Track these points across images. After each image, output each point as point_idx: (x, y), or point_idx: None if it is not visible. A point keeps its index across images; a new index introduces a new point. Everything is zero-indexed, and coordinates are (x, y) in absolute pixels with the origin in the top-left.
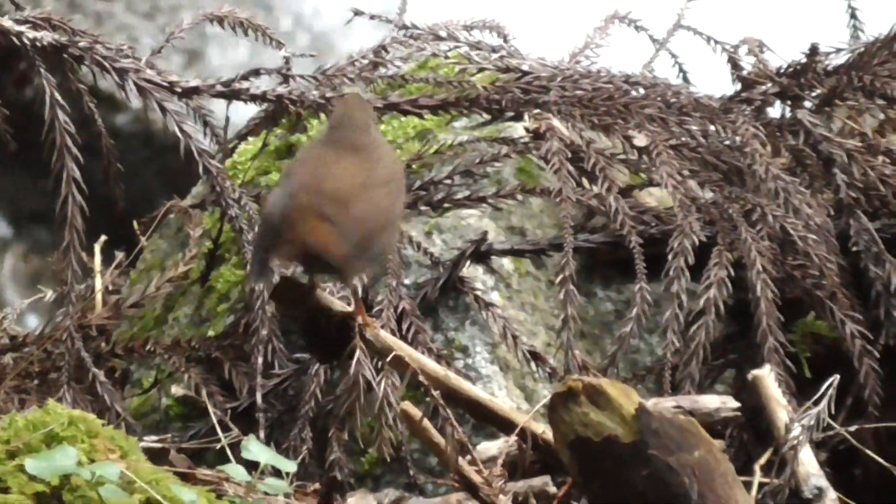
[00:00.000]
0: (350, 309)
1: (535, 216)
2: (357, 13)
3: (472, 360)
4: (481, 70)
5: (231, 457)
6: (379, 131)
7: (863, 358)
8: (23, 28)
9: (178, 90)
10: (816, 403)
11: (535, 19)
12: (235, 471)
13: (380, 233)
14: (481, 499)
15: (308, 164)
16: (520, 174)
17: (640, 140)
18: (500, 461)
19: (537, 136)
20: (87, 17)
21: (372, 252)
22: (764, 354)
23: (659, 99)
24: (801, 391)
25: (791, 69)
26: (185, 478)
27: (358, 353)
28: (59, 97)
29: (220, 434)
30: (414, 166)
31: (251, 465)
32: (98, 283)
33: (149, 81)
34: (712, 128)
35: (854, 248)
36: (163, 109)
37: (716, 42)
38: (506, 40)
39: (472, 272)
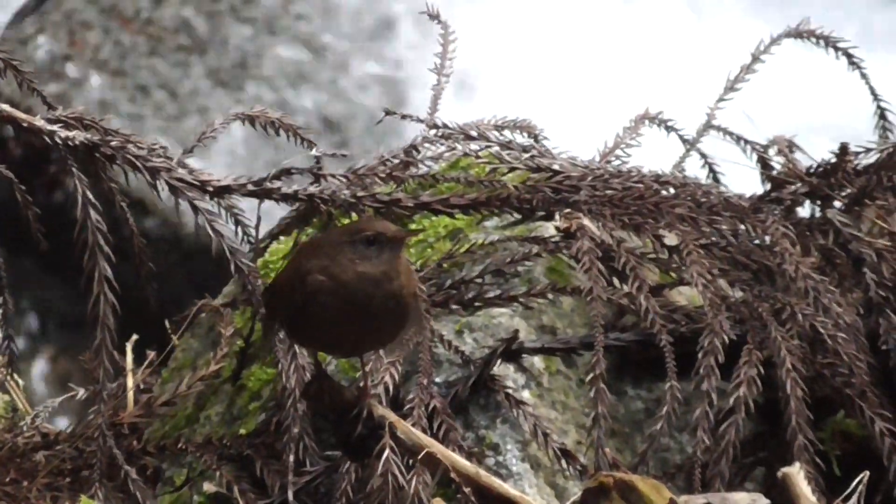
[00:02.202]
0: (368, 392)
1: (566, 315)
2: (389, 113)
3: (503, 458)
4: (512, 169)
5: None
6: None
7: (892, 456)
8: (55, 127)
9: (210, 189)
10: (846, 501)
11: (566, 119)
12: None
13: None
14: None
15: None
16: (550, 273)
17: (671, 239)
18: None
19: (568, 235)
20: (119, 118)
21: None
22: (794, 452)
23: (689, 198)
24: (830, 489)
25: (821, 169)
26: None
27: (388, 450)
28: (91, 196)
29: None
30: (445, 265)
31: None
32: (130, 382)
33: (180, 180)
34: (742, 227)
35: (884, 347)
36: (195, 208)
37: (746, 142)
38: (537, 140)
39: (503, 370)
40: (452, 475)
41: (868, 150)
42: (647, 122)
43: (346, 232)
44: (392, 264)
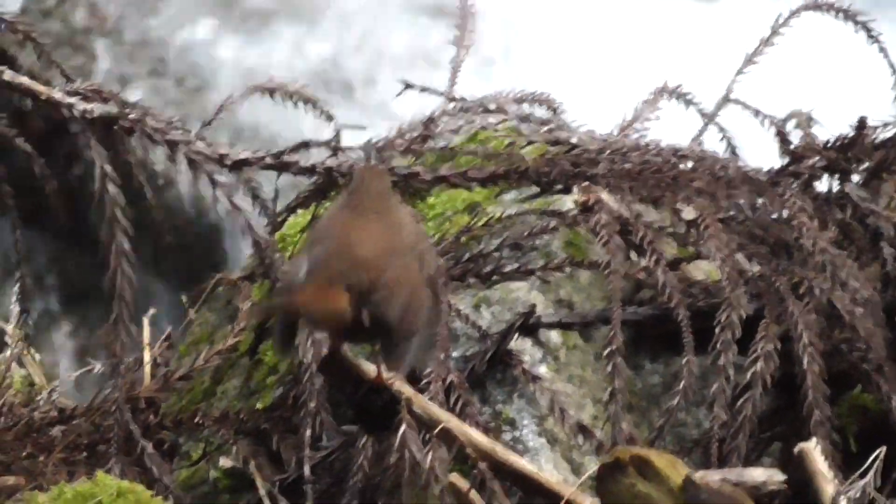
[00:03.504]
0: (383, 375)
1: (584, 289)
2: (408, 86)
3: (519, 433)
4: (530, 143)
5: None
6: (397, 199)
7: None
8: (73, 100)
9: (228, 163)
10: (862, 476)
11: (585, 92)
12: None
13: (414, 298)
14: None
15: (334, 232)
16: (568, 247)
17: (689, 213)
18: None
19: (586, 208)
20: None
21: (416, 320)
22: (811, 428)
23: (707, 172)
24: (847, 464)
25: (839, 143)
26: None
27: (405, 425)
28: (109, 170)
29: None
30: (463, 239)
31: None
32: (147, 357)
33: (199, 154)
34: (760, 201)
35: None
36: (213, 182)
37: (764, 116)
38: (555, 113)
39: (520, 345)
40: (469, 450)
41: (886, 125)
42: (665, 95)
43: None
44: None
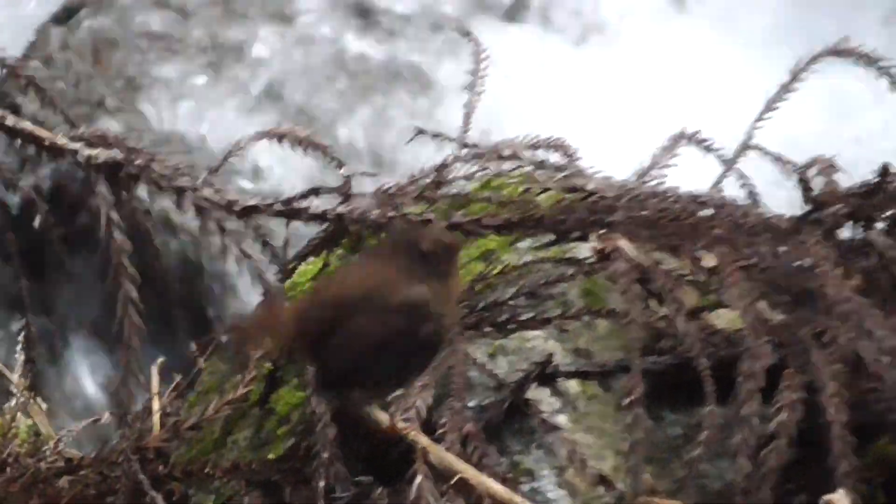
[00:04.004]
0: (398, 426)
1: (602, 338)
2: (420, 132)
3: (538, 484)
4: (546, 190)
5: None
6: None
7: None
8: (77, 145)
9: (237, 209)
10: None
11: (600, 138)
12: None
13: (360, 349)
14: None
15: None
16: (586, 295)
17: (709, 261)
18: None
19: (604, 256)
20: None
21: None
22: (837, 478)
23: (727, 219)
24: None
25: (862, 190)
26: None
27: (421, 476)
28: (115, 217)
29: None
30: (477, 287)
31: None
32: (156, 406)
33: (206, 200)
34: (782, 249)
35: None
36: (221, 229)
37: (785, 162)
38: (571, 159)
39: (538, 394)
40: (487, 501)
41: None
42: (683, 141)
43: (398, 243)
44: (445, 281)
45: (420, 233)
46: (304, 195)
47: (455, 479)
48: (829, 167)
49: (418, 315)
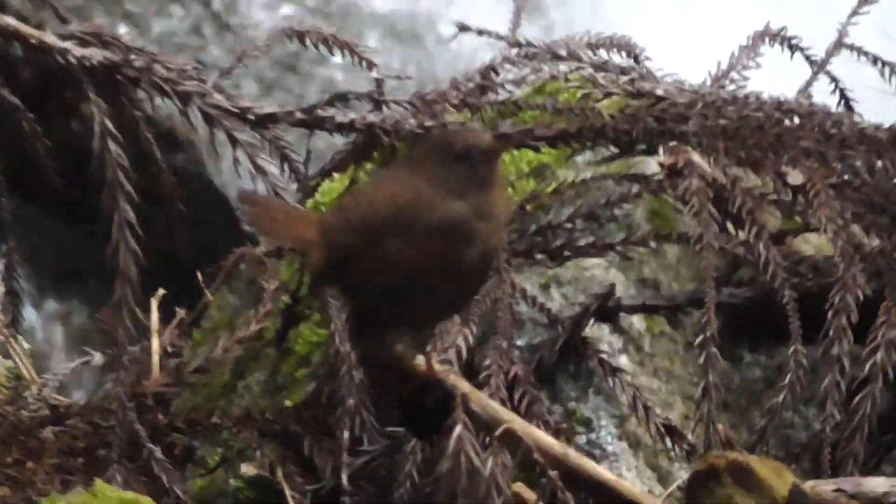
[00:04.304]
0: (435, 368)
1: (672, 267)
2: (462, 28)
3: (595, 436)
4: (608, 95)
5: None
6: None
7: None
8: (68, 44)
9: (251, 118)
10: None
11: (672, 36)
12: None
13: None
14: None
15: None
16: (653, 217)
17: (795, 178)
18: None
19: (674, 172)
20: (144, 36)
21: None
22: None
23: (817, 130)
24: None
25: None
26: None
27: (460, 426)
28: (110, 126)
29: None
30: (528, 208)
31: None
32: (155, 345)
33: (217, 107)
34: (880, 163)
35: None
36: (233, 140)
37: (883, 63)
38: (637, 60)
39: (597, 332)
40: (536, 455)
41: None
42: (767, 40)
43: (430, 148)
44: (486, 192)
45: (453, 135)
46: (329, 102)
47: (500, 429)
48: None
49: (458, 238)
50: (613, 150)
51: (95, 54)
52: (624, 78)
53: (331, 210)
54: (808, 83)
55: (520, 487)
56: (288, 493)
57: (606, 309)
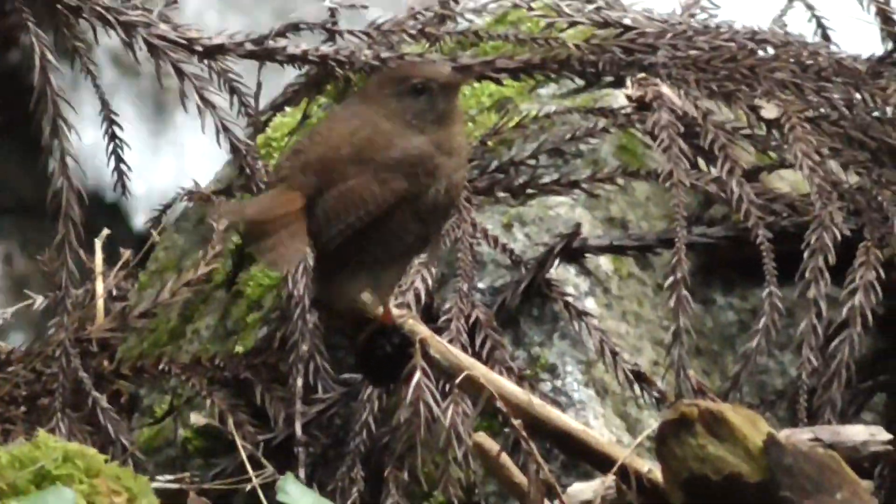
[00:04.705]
0: (392, 313)
1: (640, 205)
2: None
3: (561, 383)
4: (573, 25)
5: (264, 500)
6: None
7: None
8: None
9: (199, 49)
10: None
11: None
12: None
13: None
14: None
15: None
16: (621, 153)
17: (770, 111)
18: None
19: (642, 105)
20: None
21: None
22: None
23: (792, 61)
24: None
25: None
26: None
27: (419, 373)
28: (51, 58)
29: (251, 473)
30: (490, 143)
31: None
32: (99, 288)
33: (162, 38)
34: (858, 96)
35: None
36: (180, 73)
37: None
38: None
39: (562, 274)
40: (498, 404)
41: None
42: None
43: (385, 81)
44: (446, 127)
45: (410, 67)
46: (281, 32)
47: (461, 377)
48: None
49: (421, 173)
50: (579, 82)
51: None
52: (590, 6)
53: (284, 152)
54: (783, 12)
55: (481, 437)
56: (239, 443)
57: (572, 249)
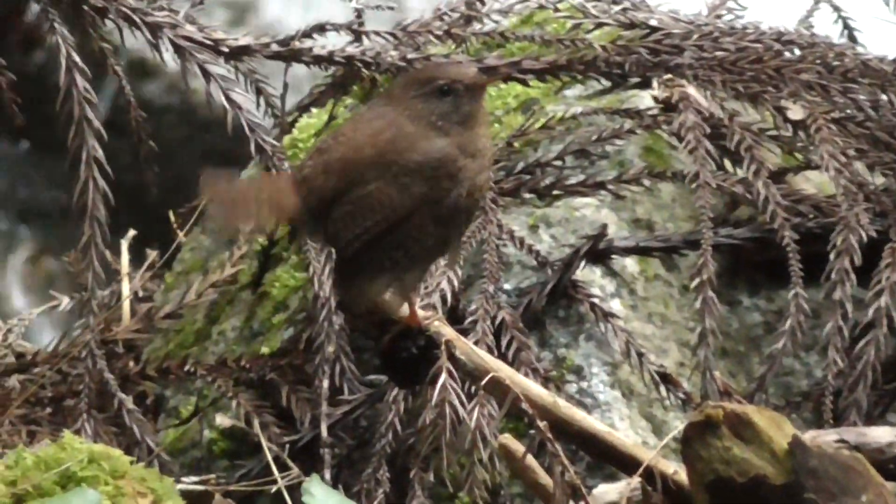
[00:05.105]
0: (418, 315)
1: (666, 206)
2: None
3: (587, 384)
4: (599, 26)
5: (289, 502)
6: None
7: None
8: None
9: (225, 50)
10: None
11: None
12: None
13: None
14: None
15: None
16: (647, 154)
17: (796, 112)
18: None
19: (668, 107)
20: None
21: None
22: None
23: (819, 62)
24: None
25: None
26: None
27: (445, 375)
28: (77, 59)
29: (277, 474)
30: (516, 144)
31: None
32: (125, 289)
33: (189, 39)
34: (884, 97)
35: None
36: (206, 74)
37: None
38: None
39: (588, 275)
40: (524, 405)
41: None
42: None
43: (410, 82)
44: (471, 129)
45: (436, 68)
46: (307, 33)
47: (486, 378)
48: None
49: (444, 176)
50: (605, 83)
51: None
52: (616, 7)
53: (309, 152)
54: (810, 13)
55: (507, 439)
56: (265, 444)
57: (598, 251)
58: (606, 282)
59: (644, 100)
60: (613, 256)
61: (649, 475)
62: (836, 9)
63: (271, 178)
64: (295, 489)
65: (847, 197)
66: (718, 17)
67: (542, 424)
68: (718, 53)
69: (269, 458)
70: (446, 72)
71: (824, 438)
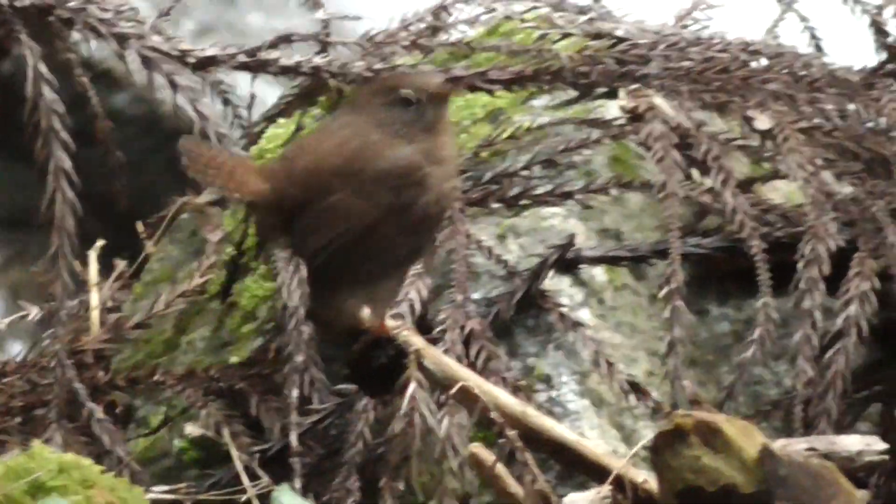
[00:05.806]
0: (387, 324)
1: (634, 216)
2: None
3: (556, 393)
4: (566, 36)
5: None
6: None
7: None
8: None
9: (192, 61)
10: None
11: None
12: None
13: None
14: None
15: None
16: (614, 164)
17: (763, 122)
18: None
19: (635, 117)
20: None
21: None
22: None
23: (785, 72)
24: None
25: None
26: None
27: (414, 384)
28: (44, 70)
29: (247, 483)
30: (483, 154)
31: None
32: (94, 299)
33: (155, 50)
34: (851, 107)
35: None
36: (173, 85)
37: (855, 2)
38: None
39: (557, 284)
40: (494, 414)
41: None
42: None
43: (375, 91)
44: (436, 137)
45: (399, 77)
46: (274, 44)
47: (456, 387)
48: None
49: (411, 183)
50: (572, 93)
51: None
52: (582, 18)
53: (275, 161)
54: (776, 23)
55: (477, 448)
56: (235, 453)
57: (566, 260)
58: (575, 291)
59: (611, 110)
60: (582, 266)
61: (619, 484)
62: (803, 19)
63: (248, 160)
64: (265, 498)
65: (815, 206)
66: (685, 27)
67: (512, 433)
68: (685, 63)
69: (240, 467)
70: (410, 80)
71: (794, 447)
